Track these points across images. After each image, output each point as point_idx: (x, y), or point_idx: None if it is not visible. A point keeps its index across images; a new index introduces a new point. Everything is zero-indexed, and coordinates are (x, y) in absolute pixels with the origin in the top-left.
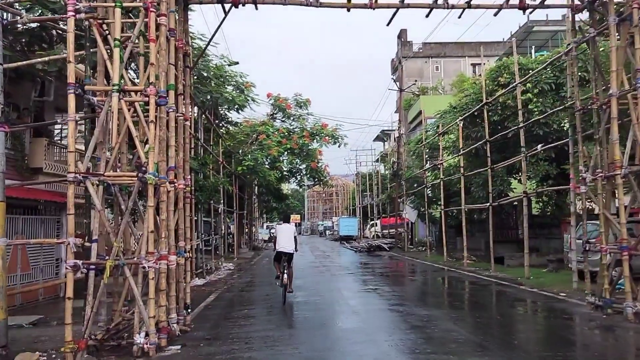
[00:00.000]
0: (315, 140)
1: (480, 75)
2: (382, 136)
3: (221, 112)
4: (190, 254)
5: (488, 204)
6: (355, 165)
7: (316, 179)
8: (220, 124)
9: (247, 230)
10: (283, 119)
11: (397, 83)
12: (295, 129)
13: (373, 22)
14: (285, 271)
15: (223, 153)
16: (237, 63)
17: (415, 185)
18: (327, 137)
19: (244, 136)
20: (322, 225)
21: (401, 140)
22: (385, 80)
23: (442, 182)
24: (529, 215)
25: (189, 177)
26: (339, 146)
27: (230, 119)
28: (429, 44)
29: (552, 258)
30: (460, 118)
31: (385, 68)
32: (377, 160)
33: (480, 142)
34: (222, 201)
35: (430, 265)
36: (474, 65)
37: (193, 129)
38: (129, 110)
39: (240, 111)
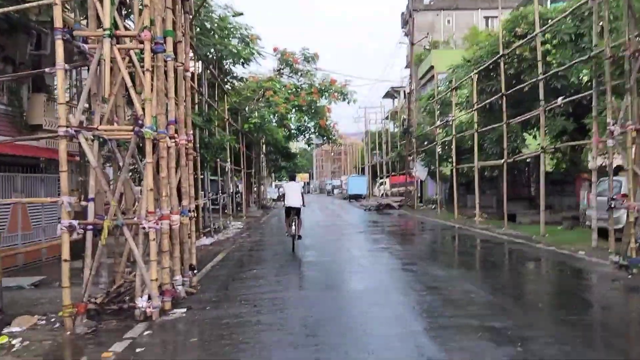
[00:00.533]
0: (323, 97)
1: (494, 27)
2: (392, 92)
3: (226, 66)
4: (195, 214)
5: (502, 160)
6: (364, 123)
7: (325, 137)
8: (225, 79)
9: (255, 189)
10: (290, 75)
11: (408, 37)
12: (303, 85)
13: None
14: (294, 223)
15: (229, 110)
16: (241, 14)
17: (425, 142)
18: (336, 94)
19: (250, 92)
20: (330, 184)
21: (412, 97)
22: (395, 37)
23: (454, 138)
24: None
25: (192, 132)
26: (348, 103)
27: (235, 74)
28: None
29: (567, 215)
30: (474, 71)
31: (396, 24)
32: (386, 118)
33: (495, 97)
34: (228, 159)
35: (442, 223)
36: (487, 18)
37: (196, 83)
38: (123, 59)
39: (245, 65)
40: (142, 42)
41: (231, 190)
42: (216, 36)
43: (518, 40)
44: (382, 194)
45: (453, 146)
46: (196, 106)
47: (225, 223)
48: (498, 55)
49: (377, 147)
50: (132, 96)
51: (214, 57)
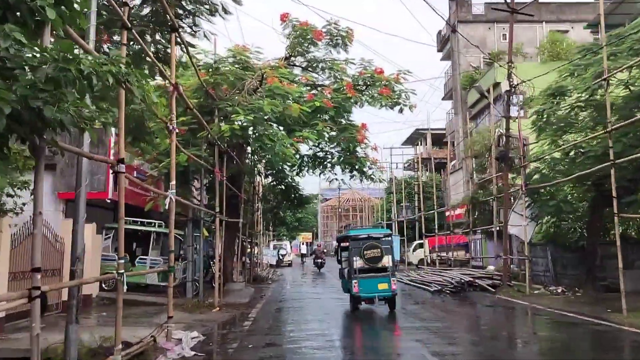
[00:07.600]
0: (364, 100)
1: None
2: (415, 137)
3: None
4: None
5: None
6: (389, 169)
7: (355, 171)
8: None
9: (249, 250)
10: (308, 67)
11: (451, 59)
12: (328, 80)
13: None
14: None
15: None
16: None
17: (532, 178)
18: (386, 87)
19: (234, 75)
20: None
21: (513, 99)
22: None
23: None
24: None
25: None
26: (401, 110)
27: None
28: (493, 5)
29: None
30: None
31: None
32: (409, 165)
33: None
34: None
35: None
36: (553, 32)
37: None
38: None
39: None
40: None
41: (185, 254)
42: None
43: None
44: (418, 262)
45: None
46: None
47: (163, 335)
48: None
49: (403, 200)
50: None
51: None
